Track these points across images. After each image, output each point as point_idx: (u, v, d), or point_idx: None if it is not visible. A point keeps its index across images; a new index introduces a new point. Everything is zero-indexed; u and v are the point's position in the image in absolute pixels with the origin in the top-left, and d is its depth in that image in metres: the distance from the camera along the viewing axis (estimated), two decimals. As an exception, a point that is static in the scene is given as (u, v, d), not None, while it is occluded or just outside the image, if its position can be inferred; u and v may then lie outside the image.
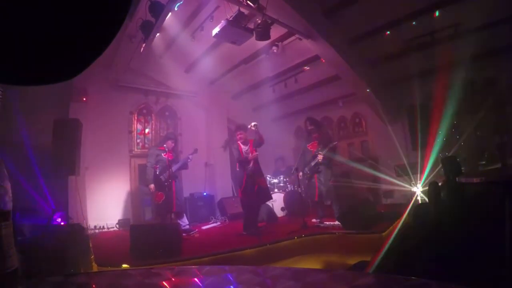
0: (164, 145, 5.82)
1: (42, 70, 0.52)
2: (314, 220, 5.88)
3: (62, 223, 5.32)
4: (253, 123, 5.34)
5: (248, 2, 5.08)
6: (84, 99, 7.06)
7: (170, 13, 5.24)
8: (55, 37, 0.47)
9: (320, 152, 5.74)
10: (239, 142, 5.47)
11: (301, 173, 6.07)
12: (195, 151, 5.92)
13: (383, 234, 4.56)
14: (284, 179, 8.12)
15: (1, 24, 0.43)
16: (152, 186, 5.66)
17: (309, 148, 6.05)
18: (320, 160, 5.73)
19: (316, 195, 5.84)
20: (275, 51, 6.93)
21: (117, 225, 6.99)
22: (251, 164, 5.35)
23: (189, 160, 5.85)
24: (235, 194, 7.96)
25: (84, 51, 0.52)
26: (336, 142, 5.97)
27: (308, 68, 7.97)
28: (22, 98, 5.37)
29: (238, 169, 5.51)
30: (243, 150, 5.40)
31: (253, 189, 5.28)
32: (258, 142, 5.38)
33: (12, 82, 0.51)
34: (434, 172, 6.93)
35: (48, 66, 0.51)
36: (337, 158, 6.17)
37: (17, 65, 0.49)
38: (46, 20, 0.45)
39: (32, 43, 0.47)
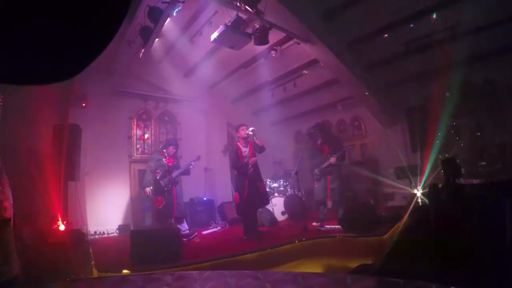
0: (164, 150, 5.83)
1: (41, 70, 0.52)
2: (314, 223, 5.87)
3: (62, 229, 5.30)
4: (250, 128, 5.36)
5: (247, 7, 5.11)
6: (84, 104, 7.06)
7: (168, 19, 5.27)
8: (54, 37, 0.48)
9: (333, 155, 5.75)
10: (239, 144, 5.45)
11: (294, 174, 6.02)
12: (198, 158, 5.93)
13: (384, 237, 4.54)
14: (284, 183, 8.10)
15: (1, 25, 0.44)
16: (148, 189, 5.65)
17: (319, 150, 6.05)
18: (332, 162, 5.74)
19: (328, 197, 5.83)
20: (273, 55, 6.96)
21: (117, 231, 6.97)
22: (251, 170, 5.33)
23: (191, 167, 5.85)
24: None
25: (82, 51, 0.52)
26: (345, 149, 5.97)
27: (307, 72, 7.98)
28: (22, 103, 5.37)
29: (237, 174, 5.48)
30: (243, 153, 5.38)
31: (253, 195, 5.26)
32: (259, 148, 5.37)
33: (12, 82, 0.51)
34: (434, 174, 6.93)
35: (47, 66, 0.52)
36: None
37: (17, 65, 0.50)
38: (45, 21, 0.46)
39: (31, 43, 0.47)
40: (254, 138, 5.35)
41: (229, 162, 7.57)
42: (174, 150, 5.87)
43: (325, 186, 5.86)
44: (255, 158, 5.39)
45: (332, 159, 5.74)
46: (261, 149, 5.40)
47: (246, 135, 5.38)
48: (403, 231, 3.90)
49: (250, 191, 5.24)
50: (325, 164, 5.81)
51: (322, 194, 5.91)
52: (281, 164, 9.42)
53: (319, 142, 6.12)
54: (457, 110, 7.13)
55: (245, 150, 5.39)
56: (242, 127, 5.46)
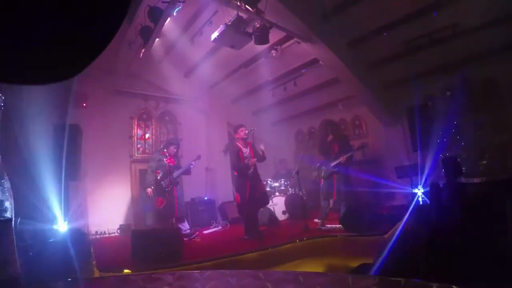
0: (165, 150, 5.83)
1: (41, 70, 0.52)
2: (316, 220, 5.87)
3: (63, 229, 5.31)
4: (251, 129, 5.39)
5: (247, 6, 5.11)
6: (84, 104, 7.07)
7: (169, 18, 5.27)
8: (54, 37, 0.48)
9: (343, 155, 5.73)
10: (238, 144, 5.45)
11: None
12: (198, 157, 5.93)
13: (385, 236, 4.54)
14: (285, 182, 8.11)
15: (2, 26, 0.44)
16: (149, 190, 5.66)
17: (328, 147, 6.04)
18: (342, 162, 5.73)
19: (333, 195, 5.82)
20: (274, 54, 6.96)
21: (118, 231, 6.97)
22: (251, 170, 5.33)
23: (192, 167, 5.85)
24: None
25: (82, 51, 0.52)
26: (352, 153, 5.95)
27: (307, 71, 7.98)
28: (22, 104, 5.37)
29: (237, 175, 5.48)
30: (244, 154, 5.38)
31: (254, 195, 5.26)
32: (259, 157, 5.38)
33: (12, 82, 0.51)
34: (435, 173, 6.91)
35: (47, 66, 0.52)
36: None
37: (17, 65, 0.50)
38: (46, 20, 0.46)
39: (31, 43, 0.47)
40: (255, 143, 5.38)
41: (230, 163, 7.59)
42: (175, 150, 5.87)
43: (331, 184, 5.85)
44: (255, 159, 5.39)
45: (342, 159, 5.72)
46: (262, 158, 5.40)
47: (245, 136, 5.39)
48: (404, 230, 3.91)
49: (251, 191, 5.24)
50: (335, 163, 5.80)
51: (328, 192, 5.90)
52: (284, 162, 9.42)
53: (329, 139, 6.08)
54: (458, 109, 7.12)
55: (246, 151, 5.39)
56: (241, 128, 5.45)
